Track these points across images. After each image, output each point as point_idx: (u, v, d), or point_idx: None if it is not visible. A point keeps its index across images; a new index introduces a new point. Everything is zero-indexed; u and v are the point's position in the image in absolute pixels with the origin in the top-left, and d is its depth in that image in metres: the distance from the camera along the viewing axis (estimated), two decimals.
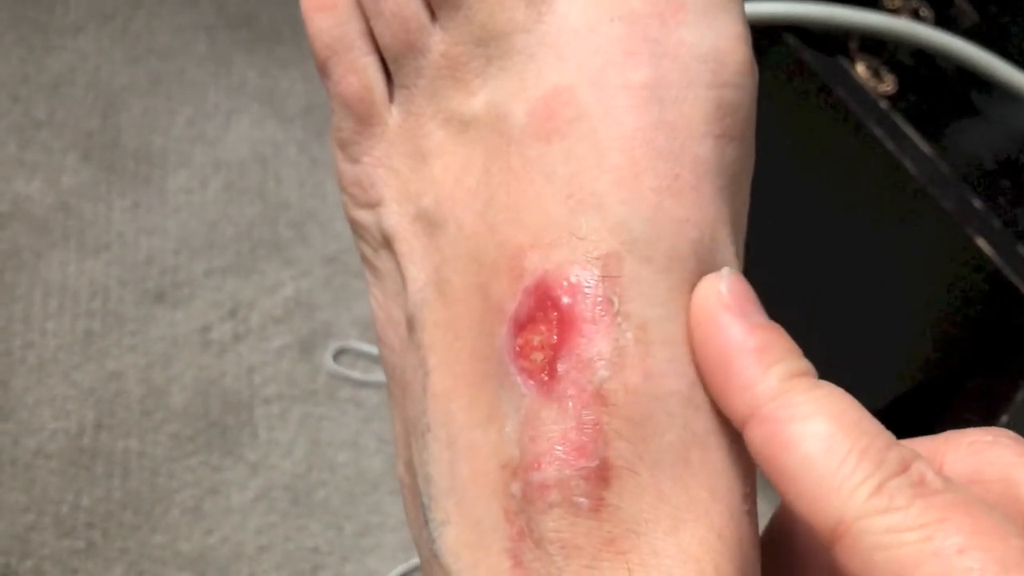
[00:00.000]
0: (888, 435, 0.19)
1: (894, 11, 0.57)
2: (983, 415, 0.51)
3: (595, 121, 0.22)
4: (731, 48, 0.23)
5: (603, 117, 0.22)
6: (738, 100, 0.23)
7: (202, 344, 0.69)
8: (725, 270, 0.22)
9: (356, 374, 0.69)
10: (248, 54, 0.85)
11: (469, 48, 0.24)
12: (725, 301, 0.21)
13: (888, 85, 0.55)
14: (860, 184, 0.55)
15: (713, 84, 0.23)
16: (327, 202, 0.78)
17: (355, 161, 0.26)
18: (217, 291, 0.72)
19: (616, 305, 0.21)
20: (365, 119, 0.26)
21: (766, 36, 0.55)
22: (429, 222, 0.24)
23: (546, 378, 0.21)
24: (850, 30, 0.55)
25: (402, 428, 0.26)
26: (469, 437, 0.22)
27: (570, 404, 0.21)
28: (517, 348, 0.22)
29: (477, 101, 0.24)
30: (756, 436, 0.20)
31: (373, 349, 0.70)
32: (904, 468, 0.19)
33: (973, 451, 0.21)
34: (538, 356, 0.21)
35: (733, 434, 0.22)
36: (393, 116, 0.26)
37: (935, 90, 0.56)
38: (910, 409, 0.56)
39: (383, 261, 0.26)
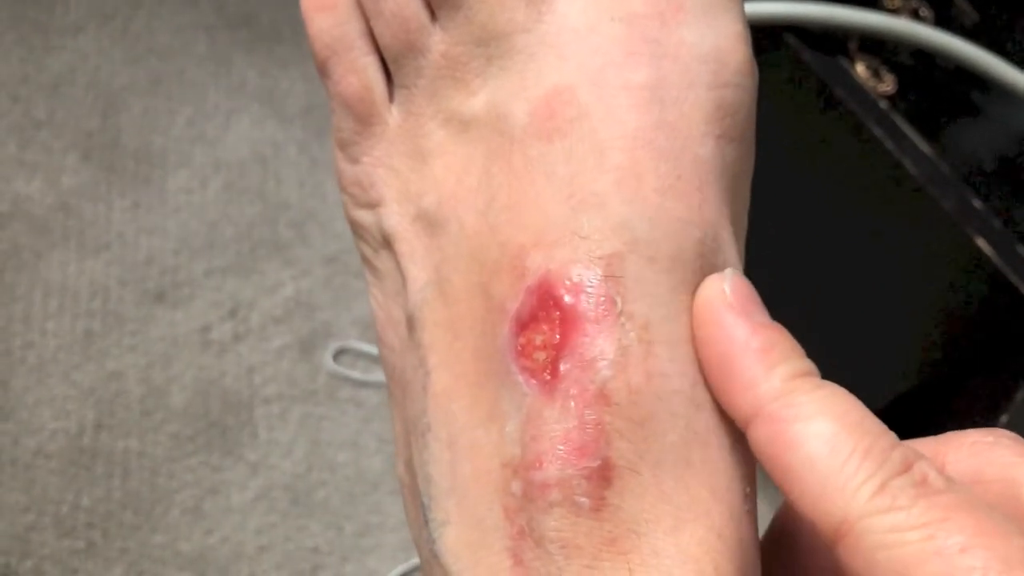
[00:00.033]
0: (891, 435, 0.19)
1: (894, 11, 0.57)
2: (983, 415, 0.51)
3: (596, 121, 0.22)
4: (731, 48, 0.23)
5: (604, 117, 0.22)
6: (738, 100, 0.23)
7: (202, 344, 0.69)
8: (728, 270, 0.22)
9: (356, 374, 0.69)
10: (248, 54, 0.85)
11: (469, 48, 0.24)
12: (728, 301, 0.21)
13: (888, 85, 0.55)
14: (860, 184, 0.55)
15: (713, 84, 0.23)
16: (327, 202, 0.78)
17: (355, 161, 0.26)
18: (217, 291, 0.72)
19: (619, 305, 0.21)
20: (365, 119, 0.26)
21: (766, 36, 0.55)
22: (430, 222, 0.24)
23: (548, 377, 0.21)
24: (850, 30, 0.55)
25: (402, 428, 0.26)
26: (470, 436, 0.22)
27: (572, 403, 0.21)
28: (519, 347, 0.22)
29: (477, 101, 0.24)
30: (760, 435, 0.20)
31: (373, 349, 0.70)
32: (907, 468, 0.19)
33: (974, 452, 0.21)
34: (540, 355, 0.21)
35: (734, 434, 0.22)
36: (393, 116, 0.26)
37: (935, 90, 0.56)
38: (910, 409, 0.56)
39: (383, 261, 0.26)
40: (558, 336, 0.21)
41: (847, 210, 0.56)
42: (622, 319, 0.21)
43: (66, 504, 0.62)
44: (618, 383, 0.21)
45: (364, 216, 0.26)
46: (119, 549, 0.61)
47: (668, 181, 0.22)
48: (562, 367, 0.21)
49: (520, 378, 0.21)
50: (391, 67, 0.26)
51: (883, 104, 0.53)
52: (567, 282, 0.21)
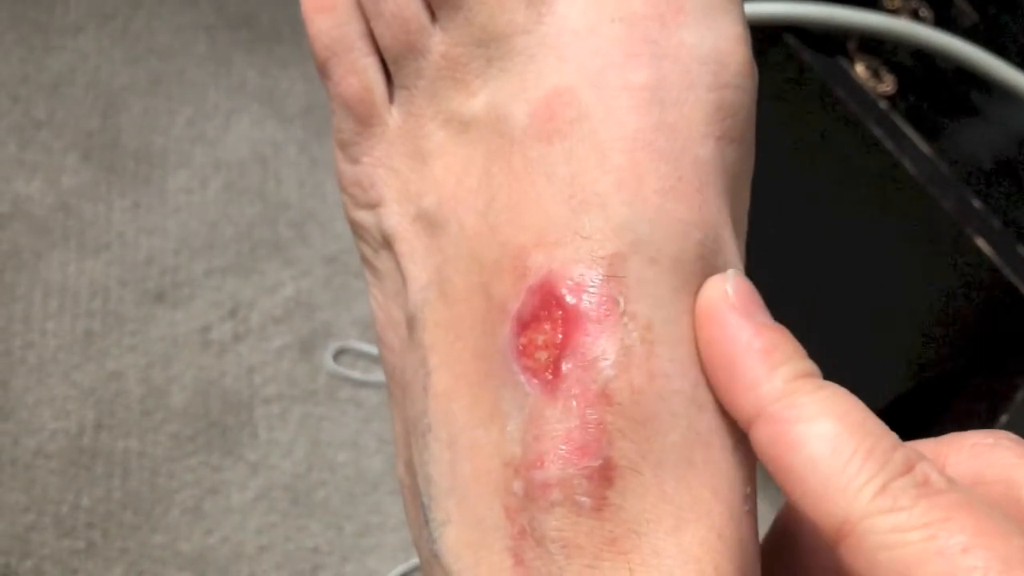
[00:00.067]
0: (893, 436, 0.19)
1: (894, 11, 0.57)
2: (983, 415, 0.51)
3: (596, 122, 0.22)
4: (731, 49, 0.23)
5: (604, 118, 0.22)
6: (738, 101, 0.23)
7: (202, 344, 0.69)
8: (730, 271, 0.22)
9: (356, 374, 0.69)
10: (248, 54, 0.85)
11: (469, 49, 0.24)
12: (731, 302, 0.21)
13: (888, 85, 0.55)
14: (860, 184, 0.55)
15: (713, 86, 0.23)
16: (327, 202, 0.78)
17: (355, 162, 0.26)
18: (217, 291, 0.72)
19: (622, 305, 0.21)
20: (365, 120, 0.26)
21: (766, 36, 0.55)
22: (430, 222, 0.24)
23: (550, 377, 0.21)
24: (850, 30, 0.55)
25: (402, 428, 0.26)
26: (471, 436, 0.22)
27: (574, 403, 0.21)
28: (521, 347, 0.22)
29: (477, 102, 0.24)
30: (762, 436, 0.20)
31: (373, 349, 0.70)
32: (908, 468, 0.19)
33: (975, 453, 0.21)
34: (542, 355, 0.21)
35: (735, 434, 0.22)
36: (393, 117, 0.26)
37: (935, 90, 0.56)
38: (910, 409, 0.56)
39: (383, 261, 0.26)
40: (560, 336, 0.21)
41: (847, 210, 0.56)
42: (625, 319, 0.21)
43: (66, 504, 0.62)
44: (621, 383, 0.21)
45: (364, 216, 0.27)
46: (119, 549, 0.61)
47: (669, 182, 0.22)
48: (564, 367, 0.21)
49: (522, 378, 0.21)
50: (391, 68, 0.26)
51: (883, 104, 0.53)
52: (569, 282, 0.21)
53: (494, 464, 0.22)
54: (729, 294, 0.21)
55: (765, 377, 0.20)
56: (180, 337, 0.69)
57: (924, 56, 0.57)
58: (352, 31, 0.26)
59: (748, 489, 0.22)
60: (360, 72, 0.26)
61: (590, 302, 0.21)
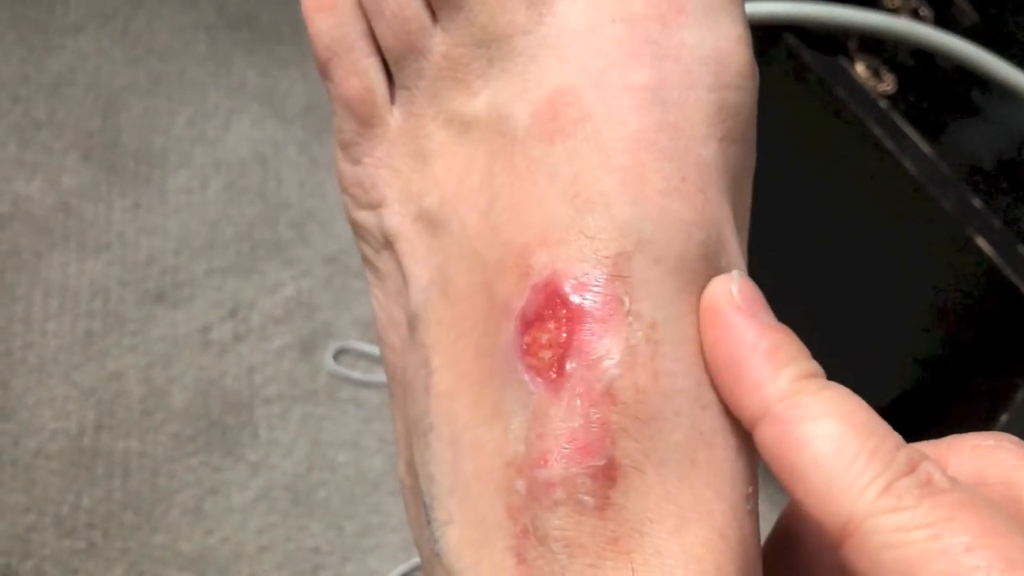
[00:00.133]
0: (896, 436, 0.19)
1: (894, 11, 0.57)
2: (983, 415, 0.51)
3: (599, 122, 0.22)
4: (732, 50, 0.23)
5: (606, 118, 0.22)
6: (740, 102, 0.23)
7: (202, 344, 0.69)
8: (735, 272, 0.22)
9: (356, 374, 0.69)
10: (248, 54, 0.85)
11: (470, 49, 0.24)
12: (736, 303, 0.21)
13: (888, 85, 0.55)
14: (860, 184, 0.55)
15: (715, 86, 0.23)
16: (327, 202, 0.78)
17: (356, 162, 0.26)
18: (217, 291, 0.72)
19: (627, 304, 0.21)
20: (366, 120, 0.26)
21: (766, 36, 0.55)
22: (431, 222, 0.24)
23: (554, 376, 0.21)
24: (850, 30, 0.55)
25: (403, 428, 0.26)
26: (473, 435, 0.22)
27: (578, 402, 0.21)
28: (524, 345, 0.22)
29: (479, 102, 0.24)
30: (766, 435, 0.20)
31: (373, 349, 0.70)
32: (912, 468, 0.19)
33: (976, 455, 0.21)
34: (546, 354, 0.21)
35: (738, 433, 0.22)
36: (394, 117, 0.26)
37: (935, 90, 0.56)
38: (911, 409, 0.56)
39: (384, 262, 0.26)
40: (564, 335, 0.21)
41: (847, 210, 0.56)
42: (629, 318, 0.21)
43: (67, 504, 0.62)
44: (625, 382, 0.21)
45: (366, 217, 0.27)
46: (120, 549, 0.61)
47: (672, 183, 0.22)
48: (568, 366, 0.21)
49: (526, 376, 0.21)
50: (392, 68, 0.26)
51: (883, 104, 0.54)
52: (573, 281, 0.21)
53: (497, 463, 0.22)
54: (734, 294, 0.21)
55: (770, 377, 0.20)
56: (180, 337, 0.69)
57: (924, 56, 0.57)
58: (353, 31, 0.26)
59: (750, 489, 0.22)
60: (361, 72, 0.26)
61: (595, 301, 0.21)
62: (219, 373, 0.68)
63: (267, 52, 0.86)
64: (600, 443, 0.21)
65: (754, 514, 0.22)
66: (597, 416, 0.21)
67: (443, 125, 0.25)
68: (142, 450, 0.64)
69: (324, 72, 0.26)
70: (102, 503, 0.62)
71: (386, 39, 0.25)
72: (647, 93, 0.22)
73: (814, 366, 0.21)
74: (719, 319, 0.21)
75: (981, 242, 0.50)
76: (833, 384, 0.20)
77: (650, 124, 0.22)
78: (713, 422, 0.21)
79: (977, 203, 0.51)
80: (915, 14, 0.58)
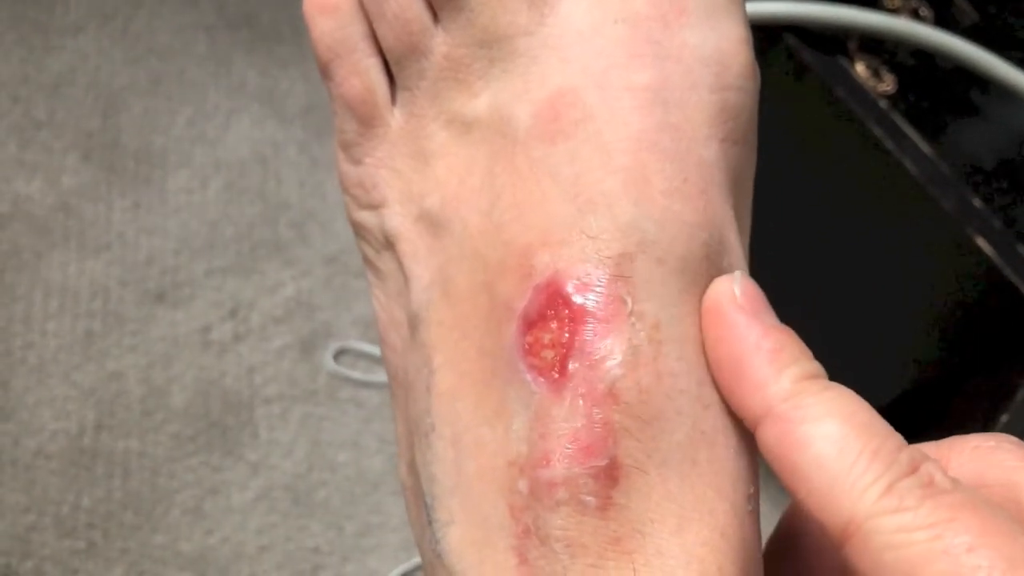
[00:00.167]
0: (898, 437, 0.20)
1: (894, 11, 0.57)
2: (983, 415, 0.51)
3: (600, 123, 0.22)
4: (734, 51, 0.23)
5: (608, 119, 0.22)
6: (741, 103, 0.23)
7: (202, 344, 0.69)
8: (737, 273, 0.22)
9: (357, 374, 0.69)
10: (248, 54, 0.85)
11: (472, 50, 0.24)
12: (739, 303, 0.21)
13: (888, 85, 0.55)
14: (860, 184, 0.55)
15: (716, 87, 0.23)
16: (327, 202, 0.78)
17: (357, 162, 0.27)
18: (217, 291, 0.72)
19: (629, 305, 0.21)
20: (368, 121, 0.26)
21: (766, 36, 0.55)
22: (433, 222, 0.24)
23: (557, 375, 0.21)
24: (850, 30, 0.55)
25: (404, 429, 0.26)
26: (475, 435, 0.22)
27: (581, 402, 0.21)
28: (527, 345, 0.22)
29: (480, 103, 0.24)
30: (769, 436, 0.20)
31: (373, 349, 0.70)
32: (914, 469, 0.19)
33: (976, 456, 0.21)
34: (548, 354, 0.21)
35: (740, 433, 0.22)
36: (395, 118, 0.26)
37: (935, 90, 0.56)
38: (910, 409, 0.56)
39: (385, 262, 0.26)
40: (567, 335, 0.21)
41: (847, 210, 0.56)
42: (632, 319, 0.21)
43: (67, 504, 0.62)
44: (628, 382, 0.21)
45: (367, 217, 0.27)
46: (120, 549, 0.61)
47: (674, 183, 0.22)
48: (571, 366, 0.21)
49: (528, 376, 0.21)
50: (393, 69, 0.26)
51: (883, 104, 0.54)
52: (576, 281, 0.21)
53: (499, 463, 0.22)
54: (737, 295, 0.21)
55: (773, 378, 0.20)
56: (180, 337, 0.69)
57: (924, 56, 0.57)
58: (355, 32, 0.26)
59: (752, 489, 0.22)
60: (362, 73, 0.26)
61: (597, 301, 0.21)
62: (219, 373, 0.68)
63: (267, 52, 0.86)
64: (602, 443, 0.21)
65: (755, 514, 0.22)
66: (599, 416, 0.21)
67: (444, 126, 0.25)
68: (142, 450, 0.64)
69: (325, 73, 0.26)
70: (102, 503, 0.62)
71: (387, 40, 0.25)
72: (649, 94, 0.22)
73: (816, 367, 0.21)
74: (722, 319, 0.21)
75: (981, 242, 0.50)
76: (835, 385, 0.20)
77: (652, 125, 0.22)
78: (715, 422, 0.21)
79: (977, 203, 0.51)
80: (915, 14, 0.58)
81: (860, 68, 0.55)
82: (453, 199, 0.24)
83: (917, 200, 0.52)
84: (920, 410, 0.56)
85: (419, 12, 0.25)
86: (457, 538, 0.22)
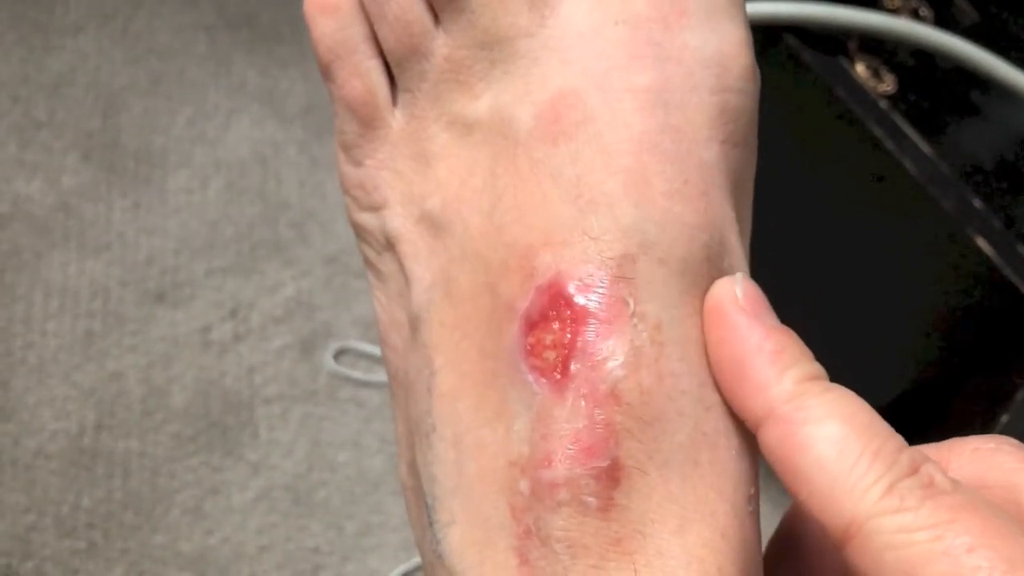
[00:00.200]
0: (899, 438, 0.20)
1: (894, 11, 0.57)
2: (983, 415, 0.51)
3: (601, 124, 0.22)
4: (735, 53, 0.23)
5: (609, 120, 0.22)
6: (741, 105, 0.23)
7: (203, 344, 0.69)
8: (739, 275, 0.22)
9: (357, 374, 0.69)
10: (248, 54, 0.85)
11: (473, 52, 0.24)
12: (740, 304, 0.21)
13: (888, 85, 0.55)
14: (860, 184, 0.55)
15: (717, 89, 0.23)
16: (327, 202, 0.78)
17: (358, 164, 0.27)
18: (217, 291, 0.72)
19: (631, 306, 0.21)
20: (368, 122, 0.26)
21: (766, 36, 0.55)
22: (434, 223, 0.24)
23: (559, 376, 0.21)
24: (850, 30, 0.55)
25: (405, 430, 0.26)
26: (476, 435, 0.22)
27: (583, 403, 0.21)
28: (528, 346, 0.22)
29: (481, 104, 0.24)
30: (770, 437, 0.20)
31: (374, 349, 0.70)
32: (914, 470, 0.19)
33: (976, 458, 0.21)
34: (550, 354, 0.21)
35: (741, 434, 0.22)
36: (396, 119, 0.26)
37: (935, 90, 0.56)
38: (910, 409, 0.56)
39: (386, 263, 0.26)
40: (569, 335, 0.21)
41: (847, 210, 0.56)
42: (634, 320, 0.21)
43: (67, 505, 0.62)
44: (630, 383, 0.21)
45: (367, 219, 0.27)
46: (120, 549, 0.61)
47: (675, 185, 0.22)
48: (573, 366, 0.21)
49: (530, 377, 0.22)
50: (394, 71, 0.26)
51: (883, 104, 0.54)
52: (578, 282, 0.21)
53: (500, 463, 0.22)
54: (738, 296, 0.21)
55: (774, 379, 0.20)
56: (181, 337, 0.69)
57: (924, 56, 0.57)
58: (356, 34, 0.26)
59: (752, 490, 0.22)
60: (363, 75, 0.26)
61: (599, 302, 0.21)
62: (219, 373, 0.68)
63: (267, 52, 0.86)
64: (604, 444, 0.21)
65: (756, 515, 0.22)
66: (601, 417, 0.21)
67: (445, 127, 0.25)
68: (142, 450, 0.64)
69: (326, 74, 0.26)
70: (102, 503, 0.62)
71: (388, 42, 0.25)
72: (649, 95, 0.22)
73: (817, 368, 0.21)
74: (723, 321, 0.21)
75: (981, 242, 0.50)
76: (836, 386, 0.20)
77: (653, 126, 0.22)
78: (716, 423, 0.22)
79: (977, 203, 0.51)
80: (915, 14, 0.58)
81: (860, 68, 0.55)
82: (454, 200, 0.24)
83: (917, 200, 0.52)
84: (920, 410, 0.56)
85: (420, 14, 0.25)
86: (458, 539, 0.22)
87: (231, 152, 0.79)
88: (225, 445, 0.65)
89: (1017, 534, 0.18)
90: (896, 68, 0.56)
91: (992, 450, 0.21)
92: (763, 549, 0.23)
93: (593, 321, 0.21)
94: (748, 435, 0.22)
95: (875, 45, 0.56)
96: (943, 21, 0.58)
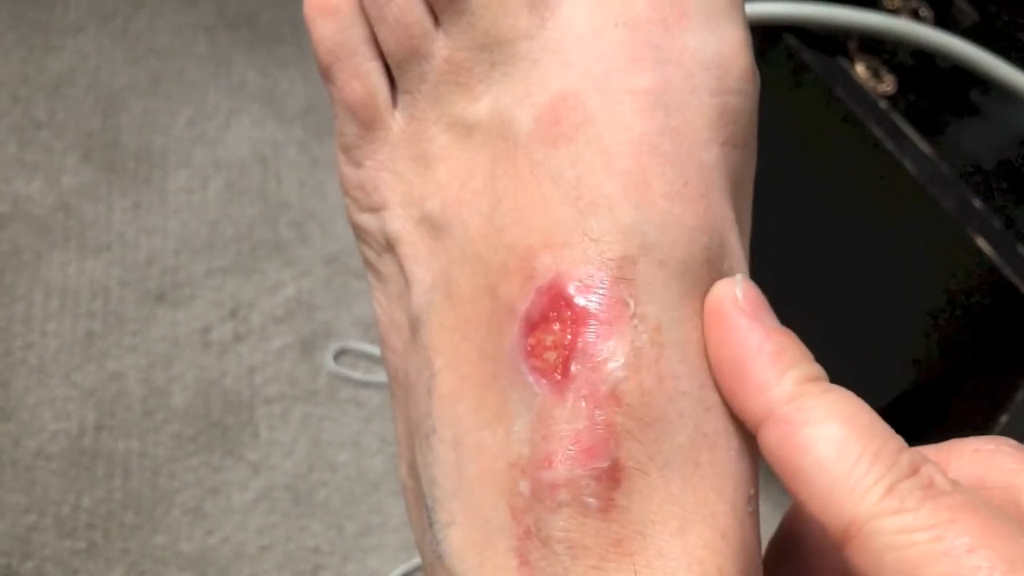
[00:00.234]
0: (898, 439, 0.20)
1: (894, 11, 0.57)
2: (983, 415, 0.51)
3: (601, 126, 0.22)
4: (734, 55, 0.23)
5: (609, 122, 0.22)
6: (741, 107, 0.23)
7: (203, 344, 0.69)
8: (739, 276, 0.22)
9: (357, 374, 0.70)
10: (248, 54, 0.85)
11: (473, 54, 0.24)
12: (740, 306, 0.21)
13: (888, 85, 0.55)
14: (860, 184, 0.55)
15: (716, 91, 0.23)
16: (327, 202, 0.78)
17: (358, 165, 0.27)
18: (218, 291, 0.72)
19: (632, 307, 0.21)
20: (368, 124, 0.26)
21: (766, 36, 0.55)
22: (434, 225, 0.24)
23: (559, 377, 0.21)
24: (850, 30, 0.55)
25: (405, 431, 0.26)
26: (476, 437, 0.22)
27: (583, 404, 0.21)
28: (529, 347, 0.22)
29: (481, 106, 0.24)
30: (771, 438, 0.20)
31: (374, 349, 0.70)
32: (914, 471, 0.19)
33: (976, 459, 0.21)
34: (551, 355, 0.21)
35: (741, 435, 0.22)
36: (396, 121, 0.26)
37: (935, 90, 0.56)
38: (910, 409, 0.56)
39: (386, 265, 0.26)
40: (569, 336, 0.21)
41: (847, 210, 0.56)
42: (635, 321, 0.21)
43: (67, 505, 0.62)
44: (631, 384, 0.21)
45: (367, 220, 0.27)
46: (120, 550, 0.61)
47: (675, 187, 0.22)
48: (573, 367, 0.21)
49: (530, 378, 0.22)
50: (394, 72, 0.26)
51: (883, 104, 0.54)
52: (578, 283, 0.21)
53: (500, 465, 0.22)
54: (738, 297, 0.21)
55: (774, 380, 0.20)
56: (181, 337, 0.69)
57: (924, 56, 0.57)
58: (356, 36, 0.26)
59: (752, 490, 0.22)
60: (363, 76, 0.26)
61: (600, 303, 0.21)
62: (219, 373, 0.68)
63: (267, 52, 0.86)
64: (604, 445, 0.21)
65: (755, 516, 0.22)
66: (602, 418, 0.21)
67: (445, 129, 0.25)
68: (142, 450, 0.64)
69: (326, 76, 0.26)
70: (102, 503, 0.62)
71: (388, 43, 0.25)
72: (649, 97, 0.22)
73: (817, 369, 0.21)
74: (724, 322, 0.21)
75: (981, 242, 0.50)
76: (836, 387, 0.20)
77: (653, 128, 0.22)
78: (716, 424, 0.22)
79: (977, 203, 0.51)
80: (915, 14, 0.58)
81: (860, 68, 0.55)
82: (454, 202, 0.24)
83: (917, 200, 0.52)
84: (920, 410, 0.56)
85: (420, 16, 0.25)
86: (458, 540, 0.22)
87: (231, 152, 0.79)
88: (225, 445, 0.65)
89: (1017, 534, 0.18)
90: (896, 68, 0.56)
91: (992, 451, 0.21)
92: (763, 550, 0.23)
93: (593, 322, 0.21)
94: (748, 436, 0.22)
95: (875, 45, 0.56)
96: (943, 21, 0.58)
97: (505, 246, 0.22)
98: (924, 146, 0.52)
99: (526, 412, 0.21)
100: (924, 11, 0.58)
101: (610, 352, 0.21)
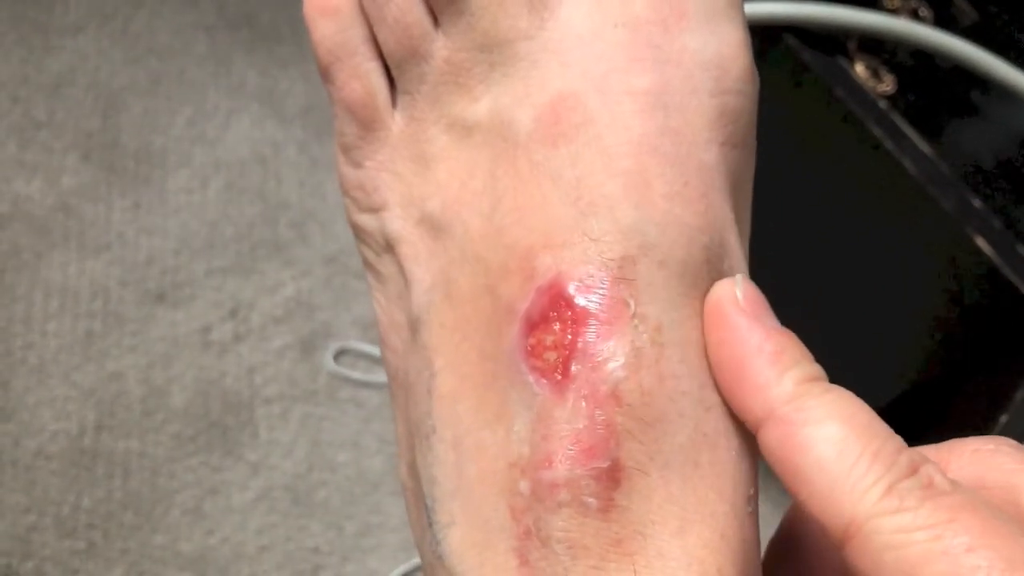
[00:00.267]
0: (898, 439, 0.20)
1: (893, 11, 0.57)
2: (983, 415, 0.51)
3: (601, 126, 0.22)
4: (734, 55, 0.23)
5: (609, 123, 0.22)
6: (740, 107, 0.23)
7: (203, 344, 0.69)
8: (739, 276, 0.22)
9: (357, 374, 0.70)
10: (248, 54, 0.85)
11: (472, 54, 0.24)
12: (740, 306, 0.21)
13: (887, 85, 0.55)
14: (860, 184, 0.55)
15: (716, 91, 0.23)
16: (327, 202, 0.78)
17: (358, 165, 0.27)
18: (217, 291, 0.72)
19: (632, 307, 0.21)
20: (368, 124, 0.26)
21: (766, 36, 0.55)
22: (434, 225, 0.24)
23: (559, 377, 0.21)
24: (849, 30, 0.55)
25: (405, 431, 0.26)
26: (476, 437, 0.22)
27: (583, 404, 0.21)
28: (529, 347, 0.22)
29: (481, 107, 0.24)
30: (770, 438, 0.20)
31: (373, 349, 0.70)
32: (914, 471, 0.19)
33: (976, 459, 0.21)
34: (551, 355, 0.21)
35: (740, 435, 0.22)
36: (396, 121, 0.26)
37: (934, 90, 0.56)
38: (910, 409, 0.56)
39: (386, 265, 0.27)
40: (569, 336, 0.21)
41: (847, 210, 0.56)
42: (635, 321, 0.21)
43: (67, 505, 0.62)
44: (631, 384, 0.21)
45: (367, 220, 0.27)
46: (120, 550, 0.61)
47: (675, 187, 0.22)
48: (573, 367, 0.21)
49: (530, 378, 0.22)
50: (394, 73, 0.26)
51: (883, 104, 0.54)
52: (579, 283, 0.21)
53: (500, 465, 0.22)
54: (738, 298, 0.21)
55: (774, 380, 0.20)
56: (180, 337, 0.69)
57: (924, 56, 0.57)
58: (355, 36, 0.26)
59: (751, 490, 0.22)
60: (363, 77, 0.26)
61: (600, 303, 0.21)
62: (219, 373, 0.68)
63: (267, 52, 0.86)
64: (605, 445, 0.21)
65: (755, 515, 0.22)
66: (602, 418, 0.21)
67: (445, 129, 0.25)
68: (142, 450, 0.64)
69: (326, 76, 0.26)
70: (102, 503, 0.62)
71: (388, 44, 0.25)
72: (649, 98, 0.22)
73: (817, 369, 0.21)
74: (724, 322, 0.21)
75: (981, 242, 0.50)
76: (836, 387, 0.20)
77: (652, 129, 0.22)
78: (716, 424, 0.22)
79: (977, 203, 0.51)
80: (915, 14, 0.58)
81: (860, 68, 0.55)
82: (454, 202, 0.24)
83: (917, 200, 0.52)
84: (920, 410, 0.56)
85: (420, 16, 0.25)
86: (458, 540, 0.22)
87: (231, 152, 0.79)
88: (225, 445, 0.65)
89: (1016, 534, 0.18)
90: (896, 68, 0.56)
91: (991, 451, 0.21)
92: (763, 550, 0.23)
93: (594, 322, 0.21)
94: (748, 436, 0.22)
95: (875, 45, 0.56)
96: (943, 21, 0.58)
97: (505, 246, 0.22)
98: (924, 146, 0.52)
99: (526, 412, 0.22)
100: (924, 11, 0.58)
101: (610, 352, 0.21)
